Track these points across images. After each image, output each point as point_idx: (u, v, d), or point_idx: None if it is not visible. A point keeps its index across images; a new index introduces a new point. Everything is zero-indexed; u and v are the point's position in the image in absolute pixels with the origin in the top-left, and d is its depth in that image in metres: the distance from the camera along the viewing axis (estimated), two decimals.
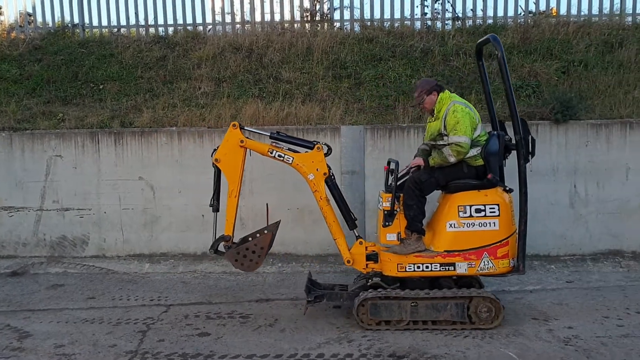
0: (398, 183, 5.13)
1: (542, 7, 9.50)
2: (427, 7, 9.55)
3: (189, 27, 9.72)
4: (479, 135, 5.10)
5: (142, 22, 9.86)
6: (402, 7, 9.42)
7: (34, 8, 10.03)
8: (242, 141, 5.25)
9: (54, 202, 7.68)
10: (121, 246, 7.67)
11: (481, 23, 9.29)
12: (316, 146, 5.28)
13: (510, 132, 5.24)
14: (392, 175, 5.27)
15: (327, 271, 7.01)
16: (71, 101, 8.47)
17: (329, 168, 5.31)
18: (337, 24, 9.69)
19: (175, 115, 7.86)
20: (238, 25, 9.85)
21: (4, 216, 7.72)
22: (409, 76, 8.28)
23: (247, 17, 9.96)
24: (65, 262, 7.51)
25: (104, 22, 9.85)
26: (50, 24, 9.96)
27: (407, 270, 5.06)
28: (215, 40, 9.22)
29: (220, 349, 4.70)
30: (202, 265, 7.33)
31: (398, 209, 5.10)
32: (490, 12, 9.34)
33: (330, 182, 5.32)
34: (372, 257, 5.30)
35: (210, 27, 9.87)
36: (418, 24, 9.46)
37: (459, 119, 4.95)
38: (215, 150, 5.36)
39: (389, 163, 5.40)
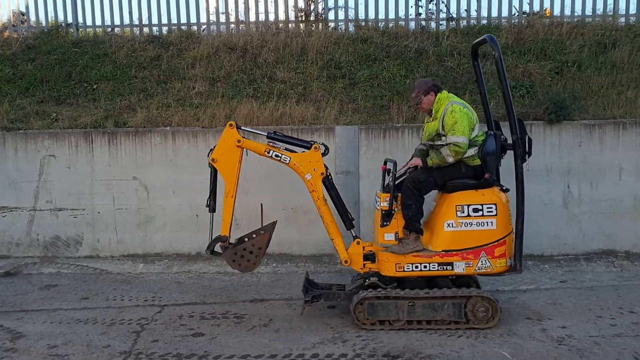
0: (395, 183, 5.14)
1: (536, 8, 9.53)
2: (422, 7, 9.55)
3: (183, 27, 9.69)
4: (476, 136, 5.12)
5: (136, 21, 9.83)
6: (396, 7, 9.39)
7: (27, 7, 9.98)
8: (239, 141, 5.23)
9: (47, 202, 7.65)
10: (115, 246, 7.65)
11: (475, 23, 9.30)
12: (313, 146, 5.27)
13: (505, 131, 5.26)
14: (389, 175, 5.28)
15: (322, 271, 7.02)
16: (65, 101, 8.44)
17: (326, 168, 5.31)
18: (332, 24, 9.68)
19: (170, 115, 7.84)
20: (232, 25, 9.83)
21: None
22: (404, 76, 8.29)
23: (242, 17, 9.94)
24: (59, 263, 7.48)
25: (98, 22, 9.81)
26: (44, 24, 9.91)
27: (406, 270, 5.07)
28: (209, 40, 9.20)
29: (214, 349, 4.69)
30: (197, 266, 7.32)
31: (396, 209, 5.11)
32: (484, 13, 9.36)
33: (327, 182, 5.32)
34: (370, 257, 5.31)
35: (204, 26, 9.85)
36: (412, 24, 9.46)
37: (457, 119, 4.97)
38: (211, 150, 5.33)
39: (385, 163, 5.40)
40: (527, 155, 5.10)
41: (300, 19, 9.88)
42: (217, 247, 5.38)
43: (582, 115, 7.40)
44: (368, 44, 8.89)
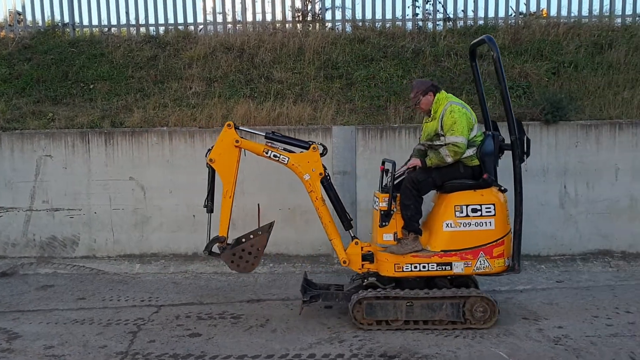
0: (394, 183, 5.14)
1: (533, 8, 9.53)
2: (418, 7, 9.57)
3: (180, 27, 9.68)
4: (475, 136, 5.13)
5: (132, 21, 9.81)
6: (393, 7, 9.47)
7: (23, 7, 9.98)
8: (237, 141, 5.22)
9: (43, 202, 7.63)
10: (112, 246, 7.63)
11: (472, 24, 9.31)
12: (312, 146, 5.27)
13: (503, 132, 5.27)
14: (387, 175, 5.28)
15: (319, 271, 7.01)
16: (61, 101, 8.42)
17: (325, 168, 5.31)
18: (329, 24, 9.69)
19: (166, 115, 7.83)
20: (229, 25, 9.83)
21: None
22: (401, 77, 8.30)
23: (239, 17, 9.94)
24: (55, 263, 7.46)
25: (95, 22, 9.81)
26: (40, 23, 9.88)
27: (405, 270, 5.07)
28: (206, 40, 9.19)
29: (211, 349, 4.69)
30: (193, 266, 7.31)
31: (395, 209, 5.12)
32: (481, 13, 9.38)
33: (325, 182, 5.32)
34: (368, 257, 5.31)
35: (201, 26, 9.84)
36: (409, 25, 9.48)
37: (456, 120, 4.98)
38: (209, 150, 5.32)
39: (383, 163, 5.40)
40: (525, 156, 5.12)
41: (297, 19, 9.89)
42: (215, 248, 5.37)
43: (578, 116, 7.41)
44: (365, 44, 8.90)
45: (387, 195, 5.09)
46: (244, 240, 5.50)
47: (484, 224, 5.01)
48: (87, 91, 8.55)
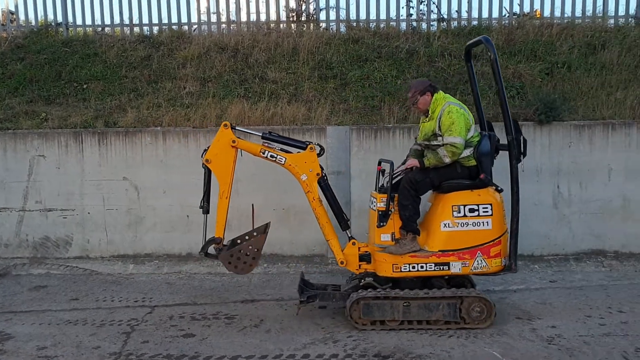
0: (392, 183, 5.15)
1: (527, 9, 9.58)
2: (413, 8, 9.58)
3: (174, 27, 9.66)
4: (472, 136, 5.15)
5: (126, 21, 9.79)
6: (387, 8, 9.41)
7: (16, 6, 9.90)
8: (233, 141, 5.19)
9: (36, 203, 7.59)
10: (105, 247, 7.61)
11: (466, 24, 9.34)
12: (309, 146, 5.25)
13: (497, 131, 5.28)
14: (383, 175, 5.28)
15: (313, 272, 7.01)
16: (54, 101, 8.38)
17: (322, 168, 5.30)
18: (323, 25, 9.69)
19: (160, 115, 7.81)
20: (223, 25, 9.81)
21: None
22: (395, 77, 8.31)
23: (233, 17, 9.95)
24: (48, 263, 7.43)
25: (88, 21, 9.75)
26: (33, 23, 9.84)
27: (403, 270, 5.08)
28: (200, 40, 9.18)
29: (205, 350, 4.68)
30: (187, 266, 7.30)
31: (393, 209, 5.12)
32: (475, 14, 9.40)
33: (322, 182, 5.31)
34: (365, 257, 5.32)
35: (195, 26, 9.82)
36: (403, 25, 9.49)
37: (454, 120, 4.99)
38: (205, 150, 5.29)
39: (380, 163, 5.40)
40: (522, 156, 5.14)
41: (291, 19, 9.88)
42: (211, 249, 5.35)
43: (571, 116, 7.44)
44: (359, 44, 8.91)
45: (385, 195, 5.09)
46: (239, 241, 5.49)
47: (481, 224, 5.03)
48: (80, 91, 8.51)
